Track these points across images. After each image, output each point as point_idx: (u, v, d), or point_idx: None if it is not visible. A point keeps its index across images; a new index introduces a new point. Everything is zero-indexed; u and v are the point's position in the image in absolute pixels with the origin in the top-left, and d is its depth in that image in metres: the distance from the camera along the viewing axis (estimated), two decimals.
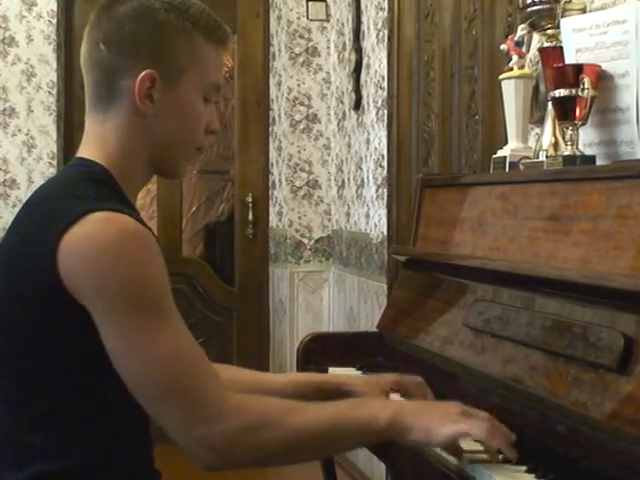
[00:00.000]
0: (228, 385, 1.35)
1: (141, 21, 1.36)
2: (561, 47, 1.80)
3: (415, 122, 3.30)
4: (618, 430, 1.23)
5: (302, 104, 4.30)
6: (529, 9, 1.90)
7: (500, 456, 1.27)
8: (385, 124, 3.49)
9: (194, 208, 4.58)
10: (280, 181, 4.38)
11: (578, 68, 1.68)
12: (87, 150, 1.40)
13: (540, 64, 2.04)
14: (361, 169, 3.84)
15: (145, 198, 4.41)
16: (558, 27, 1.83)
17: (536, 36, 2.10)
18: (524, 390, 1.48)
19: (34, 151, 4.21)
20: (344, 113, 4.10)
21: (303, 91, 4.30)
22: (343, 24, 4.10)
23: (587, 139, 1.74)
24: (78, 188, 1.32)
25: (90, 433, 1.31)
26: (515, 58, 2.12)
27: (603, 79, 1.67)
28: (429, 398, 1.59)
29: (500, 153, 2.08)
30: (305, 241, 4.32)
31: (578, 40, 1.74)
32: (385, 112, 3.49)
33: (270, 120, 4.48)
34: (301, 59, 4.30)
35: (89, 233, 1.23)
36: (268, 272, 4.49)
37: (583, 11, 1.88)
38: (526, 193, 1.69)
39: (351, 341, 2.17)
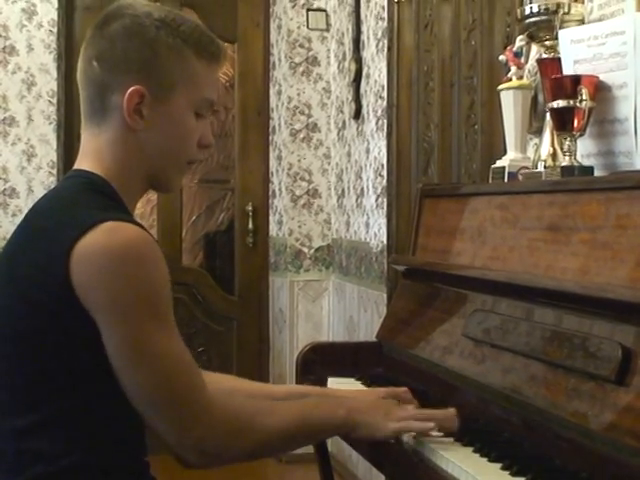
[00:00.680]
0: (230, 394, 1.48)
1: (132, 38, 1.39)
2: (559, 58, 1.81)
3: (415, 132, 3.31)
4: (617, 441, 1.23)
5: (302, 113, 4.31)
6: (528, 20, 1.90)
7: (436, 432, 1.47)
8: (385, 133, 3.50)
9: (194, 217, 4.59)
10: (280, 190, 4.38)
11: (576, 79, 1.69)
12: (85, 162, 1.43)
13: (538, 75, 2.04)
14: (361, 178, 3.85)
15: (145, 207, 4.42)
16: (556, 38, 1.84)
17: (534, 47, 2.11)
18: (523, 400, 1.48)
19: (34, 160, 4.22)
20: (344, 122, 4.11)
21: (303, 100, 4.31)
22: (343, 34, 4.11)
23: (585, 150, 1.74)
24: (83, 199, 1.35)
25: (89, 439, 1.33)
26: (514, 69, 2.13)
27: (601, 90, 1.67)
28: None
29: (499, 163, 2.09)
30: (305, 250, 4.32)
31: (576, 51, 1.74)
32: (385, 122, 3.50)
33: (270, 129, 4.49)
34: (301, 68, 4.31)
35: (100, 242, 1.27)
36: (268, 281, 4.49)
37: (581, 22, 1.88)
38: (525, 203, 1.69)
39: (350, 351, 2.17)
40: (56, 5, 4.20)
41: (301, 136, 4.31)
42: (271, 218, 4.49)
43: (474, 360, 1.68)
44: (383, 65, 3.54)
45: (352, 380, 1.98)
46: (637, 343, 1.27)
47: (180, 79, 1.40)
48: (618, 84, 1.65)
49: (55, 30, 4.20)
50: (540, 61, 1.94)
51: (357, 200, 3.91)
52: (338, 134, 4.22)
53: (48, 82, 4.22)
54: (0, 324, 1.35)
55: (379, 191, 3.59)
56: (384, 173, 3.51)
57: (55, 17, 4.21)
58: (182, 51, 1.40)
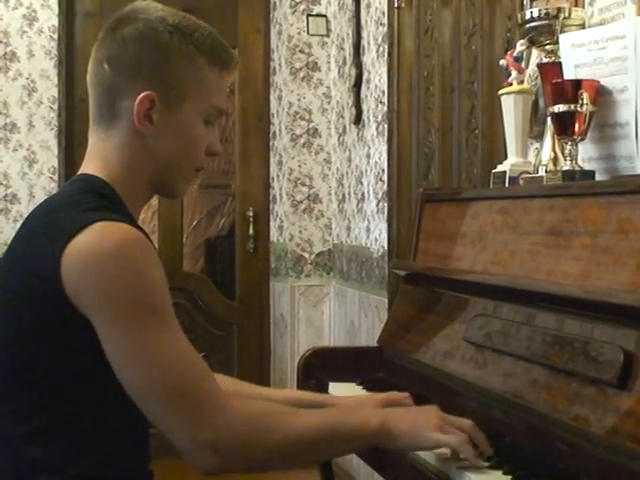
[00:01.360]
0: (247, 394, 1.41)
1: (144, 43, 1.38)
2: (560, 62, 1.81)
3: (415, 137, 3.31)
4: (619, 445, 1.23)
5: (303, 119, 4.31)
6: (528, 25, 1.91)
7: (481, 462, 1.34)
8: (385, 138, 3.50)
9: (195, 222, 4.59)
10: (281, 195, 4.39)
11: (577, 83, 1.69)
12: (90, 166, 1.43)
13: (539, 79, 2.04)
14: (361, 183, 3.85)
15: (146, 212, 4.42)
16: (557, 43, 1.84)
17: (535, 51, 2.11)
18: (524, 405, 1.48)
19: (35, 166, 4.22)
20: (344, 127, 4.11)
21: (304, 106, 4.31)
22: (343, 39, 4.12)
23: (586, 154, 1.74)
24: (78, 201, 1.34)
25: (92, 445, 1.32)
26: (514, 73, 2.13)
27: (602, 94, 1.68)
28: None
29: (500, 168, 2.09)
30: (306, 255, 4.32)
31: (577, 55, 1.75)
32: (385, 127, 3.50)
33: (271, 134, 4.49)
34: (301, 74, 4.31)
35: (90, 241, 1.25)
36: (269, 286, 4.49)
37: (582, 27, 1.89)
38: (526, 208, 1.69)
39: (351, 356, 2.16)
40: (57, 11, 4.19)
41: (302, 141, 4.31)
42: (272, 223, 4.49)
43: (475, 365, 1.68)
44: (383, 70, 3.54)
45: (353, 385, 1.98)
46: (639, 347, 1.27)
47: (191, 86, 1.40)
48: (619, 88, 1.65)
49: (56, 36, 4.21)
50: (541, 65, 1.94)
51: (358, 205, 3.91)
52: (339, 139, 4.22)
53: (49, 88, 4.22)
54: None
55: (380, 196, 3.59)
56: (385, 178, 3.51)
57: (56, 23, 4.21)
58: (194, 58, 1.40)
